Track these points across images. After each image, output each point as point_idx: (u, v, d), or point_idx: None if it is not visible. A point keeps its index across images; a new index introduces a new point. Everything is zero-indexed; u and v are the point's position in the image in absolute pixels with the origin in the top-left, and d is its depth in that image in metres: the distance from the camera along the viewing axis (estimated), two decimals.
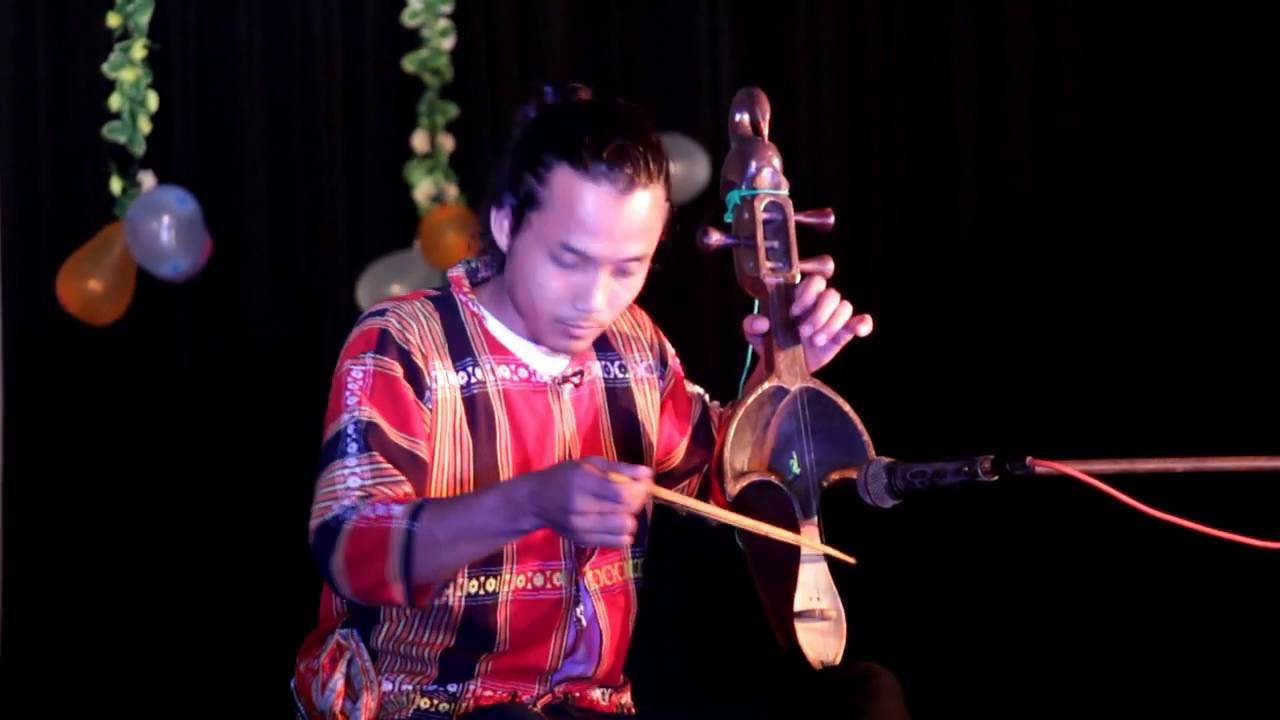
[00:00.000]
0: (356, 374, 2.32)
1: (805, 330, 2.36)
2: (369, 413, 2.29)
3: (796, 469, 2.34)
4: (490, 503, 2.16)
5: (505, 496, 2.15)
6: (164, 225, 4.32)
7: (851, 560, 2.28)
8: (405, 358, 2.32)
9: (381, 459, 2.27)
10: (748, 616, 2.44)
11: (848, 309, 2.38)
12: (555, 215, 2.27)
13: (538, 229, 2.29)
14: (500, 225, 2.35)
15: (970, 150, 4.69)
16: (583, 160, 2.25)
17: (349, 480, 2.26)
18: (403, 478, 2.27)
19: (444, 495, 2.32)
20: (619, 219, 2.28)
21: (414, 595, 2.21)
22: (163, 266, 4.36)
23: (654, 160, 2.29)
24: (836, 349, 2.42)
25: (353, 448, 2.27)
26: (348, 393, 2.31)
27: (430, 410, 2.33)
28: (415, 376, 2.32)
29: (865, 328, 2.38)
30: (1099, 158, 4.67)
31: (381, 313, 2.36)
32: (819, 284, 2.38)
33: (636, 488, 2.06)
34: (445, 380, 2.35)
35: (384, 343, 2.32)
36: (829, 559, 2.30)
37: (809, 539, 2.29)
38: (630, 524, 2.06)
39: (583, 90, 2.37)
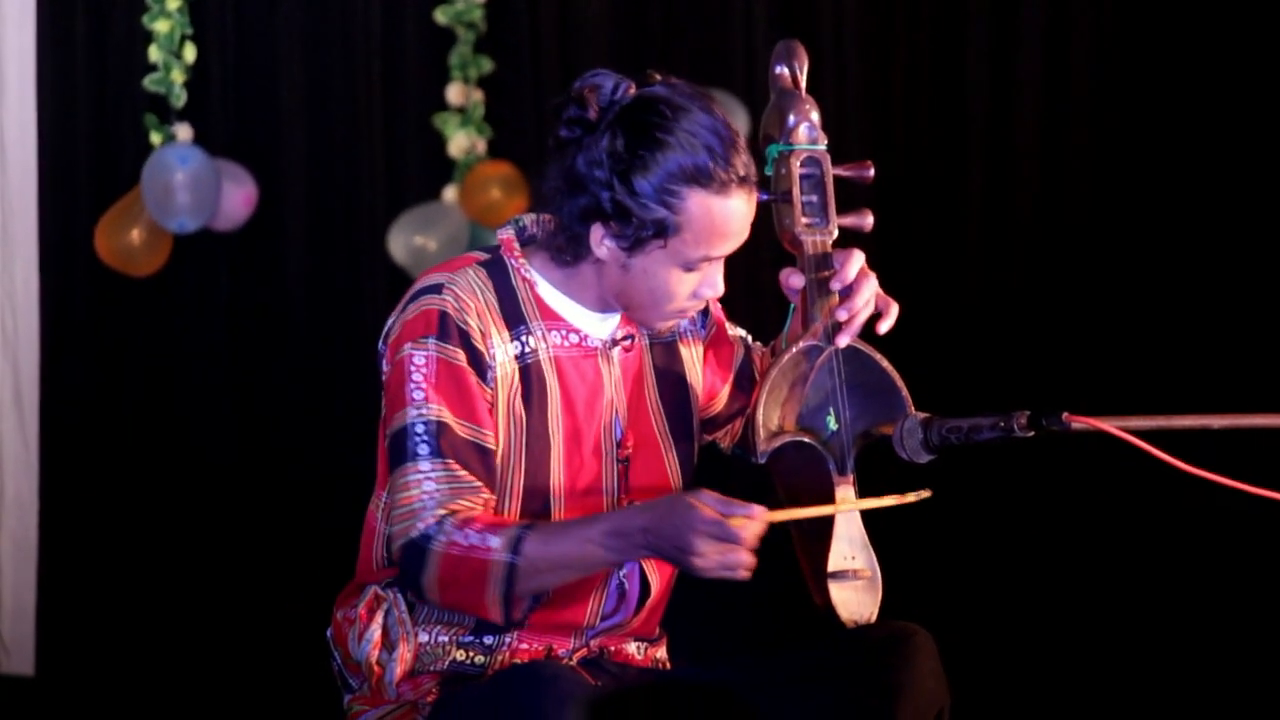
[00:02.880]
0: (419, 360, 2.30)
1: (840, 315, 2.37)
2: (436, 410, 2.28)
3: (834, 425, 2.34)
4: (600, 535, 2.21)
5: (617, 529, 2.20)
6: (172, 183, 4.33)
7: (909, 498, 2.27)
8: (467, 341, 2.30)
9: (455, 465, 2.27)
10: (784, 573, 2.45)
11: (873, 304, 2.39)
12: (694, 236, 2.27)
13: (673, 249, 2.28)
14: (601, 242, 2.31)
15: (982, 111, 4.66)
16: (719, 181, 2.25)
17: (424, 487, 2.26)
18: (479, 483, 2.28)
19: (496, 468, 2.32)
20: (749, 215, 2.31)
21: (510, 615, 2.26)
22: (170, 223, 4.37)
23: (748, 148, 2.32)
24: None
25: (424, 449, 2.27)
26: (412, 385, 2.29)
27: (491, 390, 2.32)
28: (477, 361, 2.31)
29: (884, 326, 2.40)
30: (1126, 113, 4.64)
31: (438, 289, 2.33)
32: (859, 259, 2.39)
33: (754, 526, 2.12)
34: (503, 355, 2.34)
35: (445, 327, 2.30)
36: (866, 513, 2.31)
37: (844, 503, 2.30)
38: (749, 560, 2.13)
39: (630, 84, 2.30)
